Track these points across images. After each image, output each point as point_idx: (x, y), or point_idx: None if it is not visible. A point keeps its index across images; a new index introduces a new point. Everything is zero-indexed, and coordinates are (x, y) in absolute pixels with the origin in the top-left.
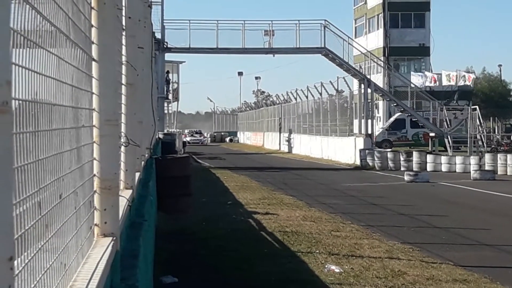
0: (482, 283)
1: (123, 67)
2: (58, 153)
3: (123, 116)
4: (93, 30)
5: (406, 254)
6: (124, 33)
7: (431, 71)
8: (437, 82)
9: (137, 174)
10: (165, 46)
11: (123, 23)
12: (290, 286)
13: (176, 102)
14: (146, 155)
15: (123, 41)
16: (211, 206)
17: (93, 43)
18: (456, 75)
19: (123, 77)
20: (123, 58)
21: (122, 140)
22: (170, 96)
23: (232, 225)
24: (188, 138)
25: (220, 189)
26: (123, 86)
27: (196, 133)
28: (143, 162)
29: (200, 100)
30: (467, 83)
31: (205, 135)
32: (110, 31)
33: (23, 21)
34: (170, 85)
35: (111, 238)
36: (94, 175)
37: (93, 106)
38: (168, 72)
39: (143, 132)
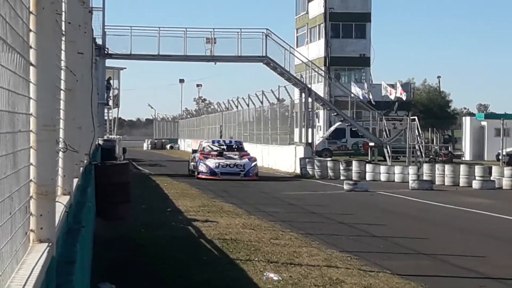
0: None
1: (62, 72)
2: None
3: (61, 122)
4: (32, 34)
5: (344, 263)
6: (63, 38)
7: (371, 81)
8: (374, 96)
9: (75, 180)
10: (106, 52)
11: (63, 28)
12: None
13: (116, 109)
14: (85, 161)
15: (63, 46)
16: (151, 213)
17: (31, 47)
18: (395, 88)
19: (62, 82)
20: (62, 64)
21: (60, 145)
22: (110, 102)
23: (171, 232)
24: (211, 163)
25: (159, 196)
26: (61, 92)
27: (232, 148)
28: (81, 168)
29: (140, 107)
30: (399, 95)
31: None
32: (49, 36)
33: None
34: (111, 91)
35: (47, 244)
36: (31, 180)
37: (30, 111)
38: (110, 78)
39: (82, 138)
